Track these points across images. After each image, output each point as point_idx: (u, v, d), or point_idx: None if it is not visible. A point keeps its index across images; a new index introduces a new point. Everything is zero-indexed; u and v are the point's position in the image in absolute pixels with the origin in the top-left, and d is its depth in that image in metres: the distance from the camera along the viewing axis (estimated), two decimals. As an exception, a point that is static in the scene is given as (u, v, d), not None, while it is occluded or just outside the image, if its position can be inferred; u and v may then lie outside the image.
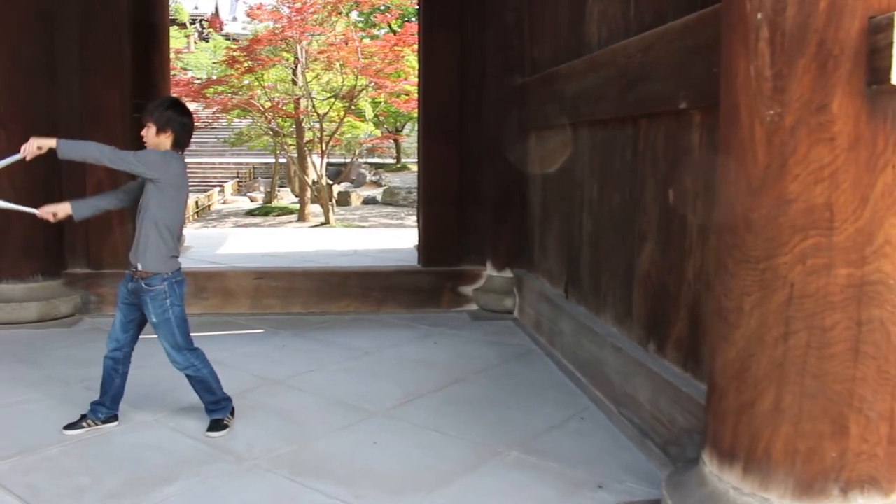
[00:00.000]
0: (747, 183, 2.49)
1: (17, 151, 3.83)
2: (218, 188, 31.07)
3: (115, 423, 4.22)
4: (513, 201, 6.83)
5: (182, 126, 3.94)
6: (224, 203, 29.59)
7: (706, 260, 3.49)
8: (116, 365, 4.11)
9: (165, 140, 3.90)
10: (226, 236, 13.81)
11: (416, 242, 11.38)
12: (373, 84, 20.96)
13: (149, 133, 3.90)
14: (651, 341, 4.10)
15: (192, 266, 7.97)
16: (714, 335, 2.74)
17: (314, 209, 22.37)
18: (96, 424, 4.16)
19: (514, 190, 6.81)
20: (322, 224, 20.37)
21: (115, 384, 4.14)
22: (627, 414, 4.19)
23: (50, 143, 3.74)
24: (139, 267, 3.90)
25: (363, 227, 20.03)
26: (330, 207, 20.78)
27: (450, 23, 7.02)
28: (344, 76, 21.12)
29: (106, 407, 4.17)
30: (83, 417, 4.17)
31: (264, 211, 25.31)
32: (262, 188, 30.86)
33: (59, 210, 3.99)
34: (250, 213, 25.48)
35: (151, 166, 3.81)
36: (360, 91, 21.13)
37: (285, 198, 27.90)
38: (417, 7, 8.24)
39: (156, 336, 4.03)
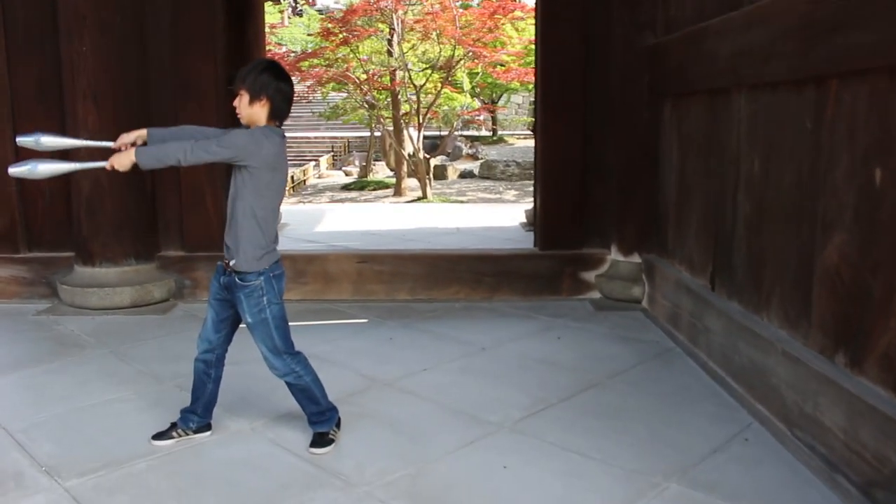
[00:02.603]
0: None
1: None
2: (313, 163, 30.96)
3: (209, 433, 3.74)
4: (642, 178, 6.08)
5: (279, 93, 3.35)
6: (319, 178, 29.46)
7: (937, 257, 2.73)
8: (209, 368, 3.61)
9: (260, 110, 3.33)
10: (323, 213, 13.44)
11: (524, 220, 10.77)
12: (470, 54, 20.25)
13: (241, 102, 3.34)
14: (840, 352, 3.34)
15: (291, 247, 7.54)
16: None
17: (410, 183, 21.89)
18: (187, 434, 3.68)
19: (644, 165, 6.06)
20: (419, 199, 19.87)
21: (208, 390, 3.65)
22: (806, 439, 3.45)
23: (130, 157, 3.22)
24: (233, 262, 3.37)
25: (461, 201, 19.47)
26: (427, 182, 20.24)
27: (571, -23, 6.28)
28: (441, 46, 20.47)
29: (198, 415, 3.68)
30: (173, 426, 3.70)
31: (360, 185, 24.99)
32: (357, 162, 30.59)
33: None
34: (346, 187, 25.21)
35: (239, 151, 3.23)
36: (458, 61, 20.45)
37: (380, 172, 27.56)
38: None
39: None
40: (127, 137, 3.41)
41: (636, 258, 6.21)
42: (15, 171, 3.34)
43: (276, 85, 3.33)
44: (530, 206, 13.08)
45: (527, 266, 6.44)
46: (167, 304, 6.29)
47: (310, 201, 21.35)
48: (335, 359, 4.88)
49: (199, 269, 6.41)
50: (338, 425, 3.67)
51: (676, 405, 4.11)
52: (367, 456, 3.51)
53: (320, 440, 3.58)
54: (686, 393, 4.29)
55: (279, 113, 3.38)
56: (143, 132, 3.42)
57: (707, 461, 3.45)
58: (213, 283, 3.53)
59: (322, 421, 3.61)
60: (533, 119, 36.53)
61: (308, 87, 23.23)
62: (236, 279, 3.36)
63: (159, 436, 3.67)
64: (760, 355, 3.94)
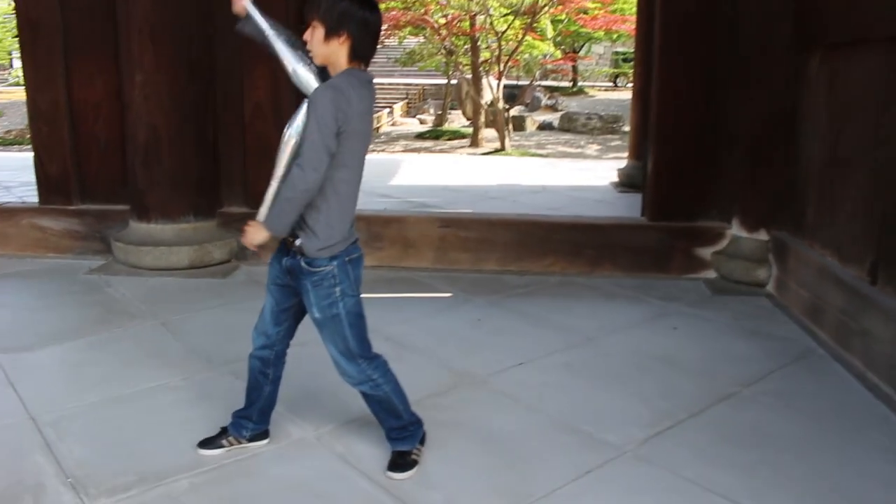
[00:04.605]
0: None
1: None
2: (387, 110, 30.18)
3: (265, 441, 3.09)
4: (776, 142, 5.19)
5: (364, 25, 2.57)
6: (393, 125, 28.70)
7: None
8: (266, 368, 2.95)
9: (339, 48, 2.57)
10: (398, 163, 12.78)
11: (615, 179, 9.90)
12: (555, -1, 19.10)
13: (315, 36, 2.58)
14: None
15: (365, 202, 6.79)
16: None
17: (487, 134, 20.96)
18: (240, 443, 3.04)
19: (779, 127, 5.16)
20: (497, 151, 18.95)
21: (265, 392, 2.98)
22: None
23: (262, 232, 2.66)
24: (298, 241, 2.66)
25: (541, 155, 18.53)
26: (506, 133, 19.29)
27: None
28: (525, -10, 19.35)
29: (253, 422, 3.03)
30: (223, 433, 3.07)
31: (435, 134, 24.15)
32: (431, 110, 29.71)
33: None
34: (420, 136, 24.39)
35: (336, 120, 2.47)
36: (542, 7, 19.31)
37: (456, 121, 26.65)
38: None
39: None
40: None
41: (762, 235, 5.34)
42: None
43: (360, 15, 2.56)
44: (617, 163, 12.17)
45: (633, 238, 5.62)
46: (228, 266, 5.68)
47: (383, 150, 20.63)
48: (414, 344, 4.20)
49: (264, 228, 5.77)
50: (422, 442, 2.98)
51: (836, 432, 3.30)
52: (459, 485, 2.81)
53: (401, 461, 2.89)
54: (845, 414, 3.47)
55: (363, 51, 2.61)
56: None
57: (896, 519, 2.66)
58: (273, 265, 2.84)
59: (403, 438, 2.92)
60: (615, 70, 35.07)
61: (384, 31, 22.37)
62: (302, 263, 2.66)
63: (207, 443, 3.04)
64: (954, 376, 3.11)
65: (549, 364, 3.98)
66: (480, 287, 5.30)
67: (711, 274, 5.54)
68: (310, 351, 3.34)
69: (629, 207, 7.82)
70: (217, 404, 3.40)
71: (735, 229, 5.47)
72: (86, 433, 3.21)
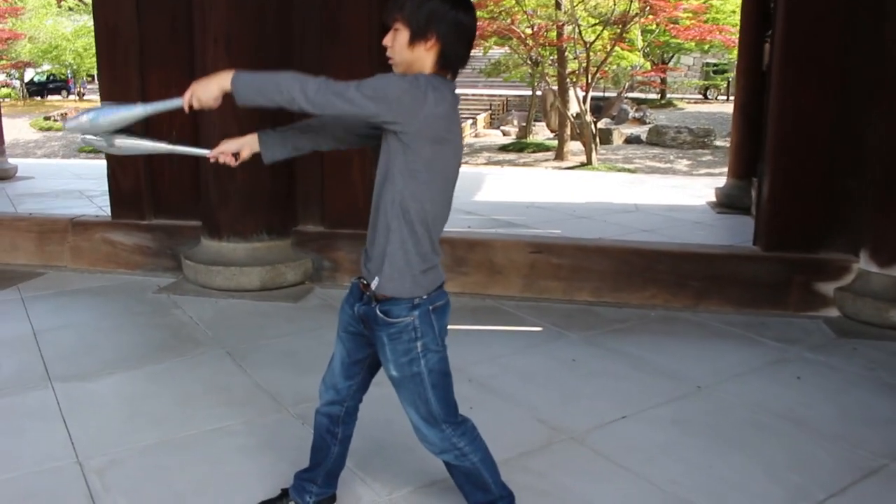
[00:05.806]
0: None
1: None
2: (470, 121, 29.84)
3: (332, 507, 2.69)
4: (916, 164, 4.58)
5: (456, 29, 2.14)
6: (476, 136, 28.31)
7: None
8: (334, 426, 2.53)
9: (425, 55, 2.14)
10: (482, 178, 12.42)
11: (712, 198, 9.28)
12: (647, 9, 18.39)
13: (398, 41, 2.15)
14: None
15: (450, 224, 6.44)
16: None
17: (573, 147, 20.35)
18: (303, 509, 2.64)
19: (922, 147, 4.55)
20: (582, 164, 18.35)
21: (332, 454, 2.57)
22: None
23: (224, 83, 2.08)
24: (373, 284, 2.24)
25: (629, 170, 17.84)
26: (593, 147, 18.67)
27: None
28: (616, -1, 18.74)
29: (317, 486, 2.62)
30: (284, 495, 2.67)
31: (518, 147, 23.63)
32: (515, 122, 29.22)
33: (244, 147, 2.32)
34: (503, 148, 23.92)
35: (389, 103, 2.03)
36: (633, 17, 18.64)
37: (540, 133, 26.10)
38: None
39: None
40: (229, 145, 2.34)
41: (896, 271, 4.72)
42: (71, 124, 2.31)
43: (453, 17, 2.12)
44: (710, 179, 11.51)
45: (745, 269, 5.05)
46: (301, 289, 5.34)
47: (466, 162, 20.26)
48: (501, 388, 3.75)
49: (340, 248, 5.43)
50: (513, 519, 2.53)
51: None
52: (556, 580, 2.36)
53: (486, 543, 2.45)
54: None
55: (453, 59, 2.18)
56: (251, 138, 2.33)
57: None
58: (345, 310, 2.41)
59: (491, 515, 2.47)
60: (706, 82, 33.99)
61: (469, 41, 21.97)
62: (377, 311, 2.23)
63: (266, 507, 2.65)
64: None
65: (655, 418, 3.47)
66: (574, 320, 4.82)
67: (834, 312, 4.93)
68: (385, 393, 2.80)
69: (732, 231, 7.25)
70: (281, 455, 3.03)
71: (864, 263, 4.86)
72: (133, 484, 2.86)
